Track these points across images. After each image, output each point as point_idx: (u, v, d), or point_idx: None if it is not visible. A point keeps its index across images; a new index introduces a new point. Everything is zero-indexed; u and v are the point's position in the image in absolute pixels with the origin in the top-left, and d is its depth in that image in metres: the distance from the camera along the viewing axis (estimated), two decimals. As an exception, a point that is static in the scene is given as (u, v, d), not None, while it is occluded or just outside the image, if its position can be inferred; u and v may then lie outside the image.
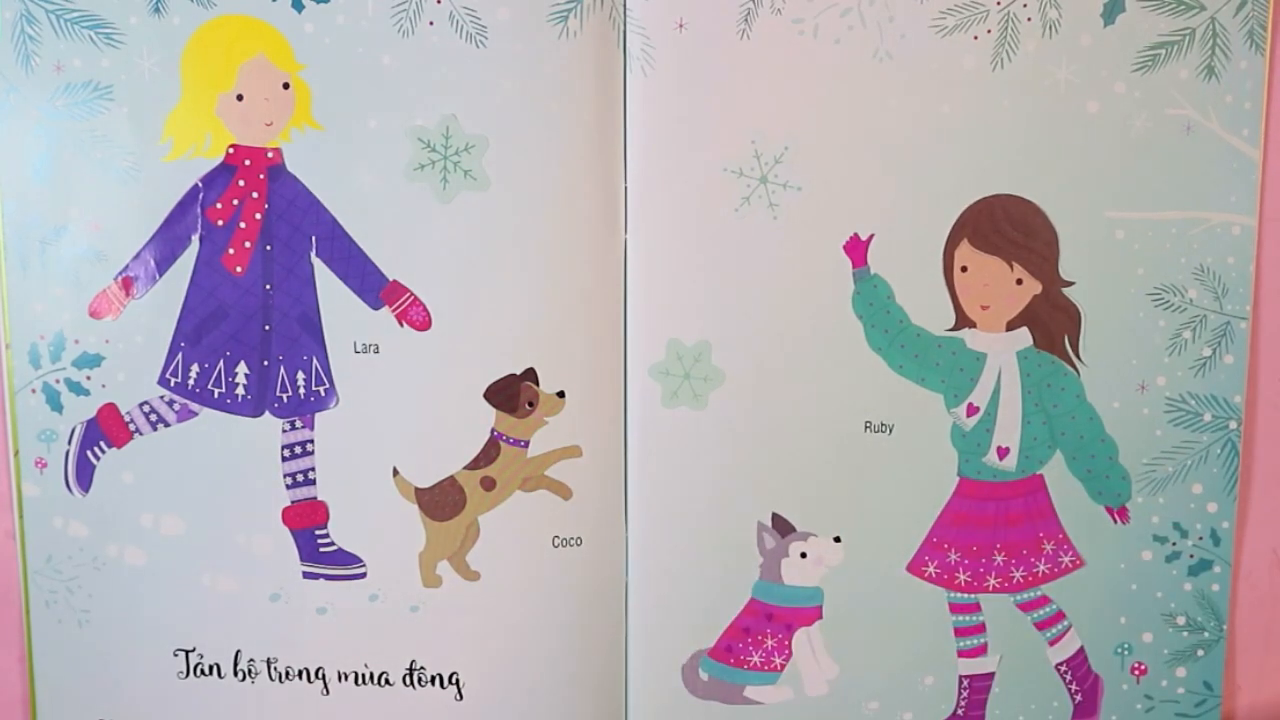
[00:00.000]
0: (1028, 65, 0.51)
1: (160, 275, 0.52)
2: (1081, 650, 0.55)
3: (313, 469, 0.53)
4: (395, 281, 0.52)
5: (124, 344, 0.53)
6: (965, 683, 0.56)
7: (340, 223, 0.52)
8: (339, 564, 0.54)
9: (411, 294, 0.52)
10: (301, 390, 0.53)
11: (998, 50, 0.51)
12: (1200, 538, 0.54)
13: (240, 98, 0.51)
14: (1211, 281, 0.52)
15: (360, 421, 0.53)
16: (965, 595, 0.55)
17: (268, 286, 0.52)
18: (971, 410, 0.54)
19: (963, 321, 0.53)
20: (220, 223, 0.52)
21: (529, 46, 0.51)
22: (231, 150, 0.52)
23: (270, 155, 0.52)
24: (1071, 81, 0.51)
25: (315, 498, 0.54)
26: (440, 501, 0.54)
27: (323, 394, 0.53)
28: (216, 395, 0.53)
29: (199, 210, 0.52)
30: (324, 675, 0.55)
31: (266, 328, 0.53)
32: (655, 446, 0.54)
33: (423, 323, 0.52)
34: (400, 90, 0.51)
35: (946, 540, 0.54)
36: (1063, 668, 0.55)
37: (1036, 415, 0.54)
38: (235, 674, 0.55)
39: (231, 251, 0.52)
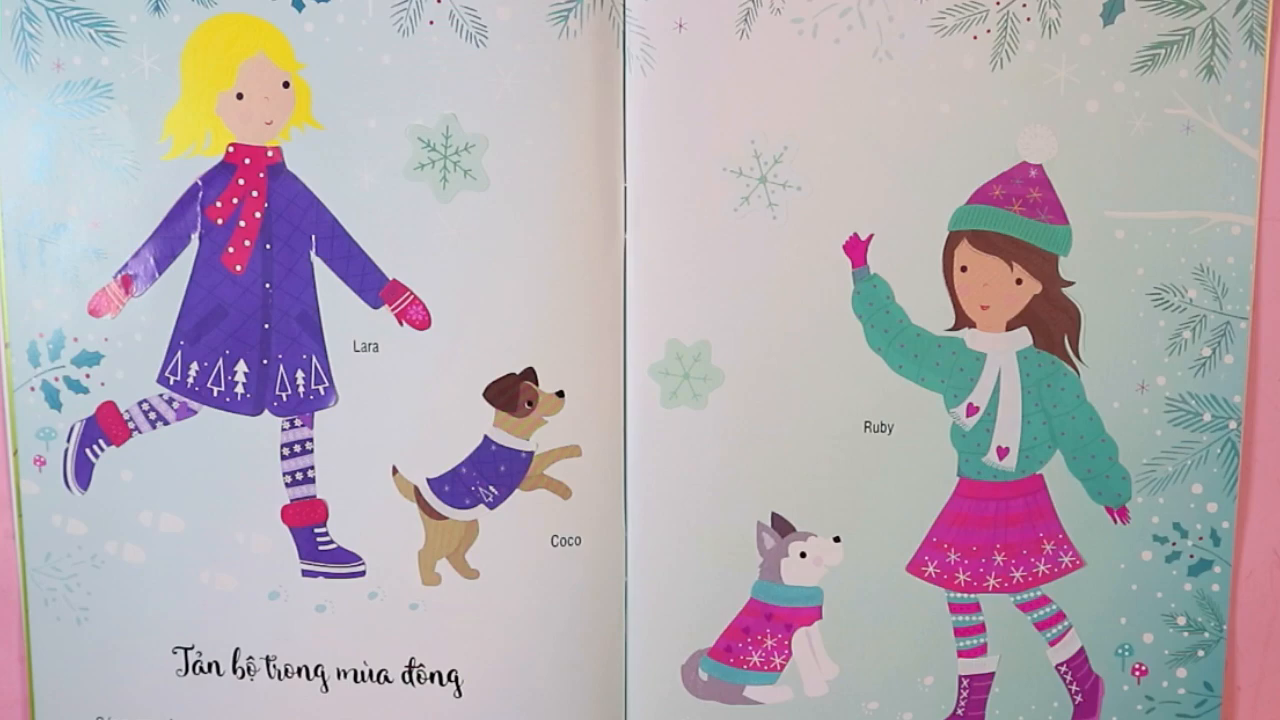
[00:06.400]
0: (1027, 65, 0.51)
1: (160, 273, 0.52)
2: (1082, 651, 0.55)
3: (312, 467, 0.53)
4: (395, 281, 0.52)
5: (123, 342, 0.53)
6: (965, 683, 0.55)
7: (340, 222, 0.52)
8: (338, 562, 0.54)
9: (411, 293, 0.52)
10: (301, 389, 0.53)
11: (997, 50, 0.51)
12: (1200, 538, 0.54)
13: (240, 96, 0.51)
14: (1211, 281, 0.52)
15: (360, 420, 0.53)
16: (965, 595, 0.55)
17: (267, 285, 0.52)
18: (971, 410, 0.53)
19: (962, 321, 0.53)
20: (220, 221, 0.52)
21: (529, 46, 0.51)
22: (231, 149, 0.52)
23: (270, 154, 0.52)
24: (1071, 81, 0.51)
25: (314, 496, 0.53)
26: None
27: (322, 393, 0.53)
28: (216, 394, 0.53)
29: (199, 209, 0.52)
30: (323, 673, 0.55)
31: (266, 326, 0.53)
32: (655, 446, 0.54)
33: (422, 322, 0.52)
34: (400, 90, 0.51)
35: (946, 540, 0.54)
36: (1063, 668, 0.55)
37: (1036, 415, 0.53)
38: (234, 671, 0.55)
39: (231, 250, 0.52)
